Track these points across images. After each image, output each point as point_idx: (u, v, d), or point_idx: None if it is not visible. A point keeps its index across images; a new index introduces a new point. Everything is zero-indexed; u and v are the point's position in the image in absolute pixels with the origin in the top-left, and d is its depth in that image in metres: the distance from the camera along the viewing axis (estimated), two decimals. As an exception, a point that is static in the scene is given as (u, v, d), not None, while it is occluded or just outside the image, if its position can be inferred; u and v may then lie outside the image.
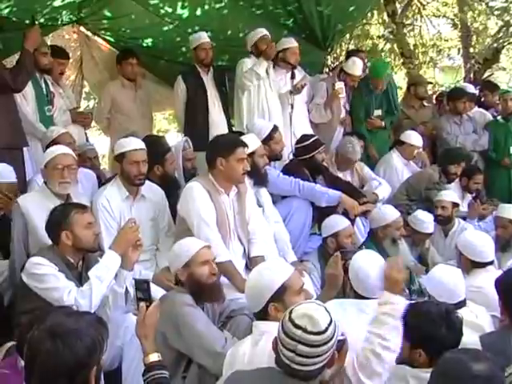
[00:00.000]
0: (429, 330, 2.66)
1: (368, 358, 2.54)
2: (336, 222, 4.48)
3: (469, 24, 10.57)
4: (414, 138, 6.23)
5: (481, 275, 3.89)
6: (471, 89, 7.37)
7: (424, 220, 4.97)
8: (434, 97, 8.16)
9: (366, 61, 7.31)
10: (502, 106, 6.96)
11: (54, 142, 4.49)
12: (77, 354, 1.81)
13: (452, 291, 3.36)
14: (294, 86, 5.78)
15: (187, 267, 3.16)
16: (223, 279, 3.48)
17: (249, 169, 3.99)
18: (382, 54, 10.39)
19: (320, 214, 4.79)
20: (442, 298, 3.28)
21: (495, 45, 10.34)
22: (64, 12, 5.74)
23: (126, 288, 3.34)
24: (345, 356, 2.42)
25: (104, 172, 5.81)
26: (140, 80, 6.42)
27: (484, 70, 10.50)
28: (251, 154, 4.33)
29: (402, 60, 10.34)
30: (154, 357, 2.55)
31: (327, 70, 7.49)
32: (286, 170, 4.99)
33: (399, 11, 10.13)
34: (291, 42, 6.06)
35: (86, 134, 6.07)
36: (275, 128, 4.96)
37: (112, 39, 6.68)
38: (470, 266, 4.00)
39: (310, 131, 5.85)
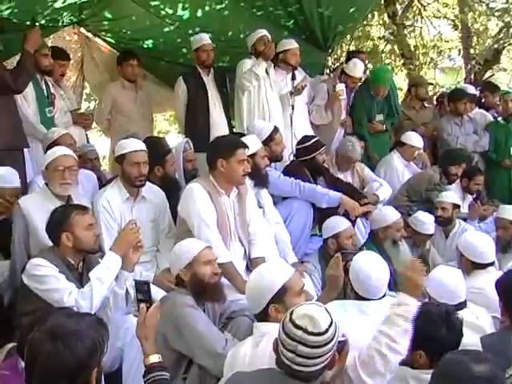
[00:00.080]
0: (429, 331, 2.66)
1: (373, 356, 2.52)
2: (337, 223, 4.49)
3: (469, 25, 10.57)
4: (414, 139, 6.23)
5: (481, 276, 3.88)
6: (472, 90, 7.37)
7: (425, 221, 4.96)
8: (435, 98, 8.17)
9: (366, 62, 7.32)
10: (502, 107, 6.95)
11: (55, 144, 4.49)
12: (77, 356, 1.82)
13: (453, 292, 3.36)
14: (294, 86, 5.79)
15: (190, 267, 3.17)
16: (224, 280, 3.48)
17: (249, 170, 3.99)
18: (383, 55, 10.39)
19: (321, 215, 4.79)
20: (443, 299, 3.28)
21: (496, 46, 10.33)
22: (65, 13, 5.74)
23: (127, 289, 3.33)
24: (346, 357, 2.42)
25: (104, 173, 5.82)
26: (140, 81, 6.42)
27: (484, 71, 10.50)
28: (252, 156, 4.34)
29: (402, 61, 10.34)
30: (155, 358, 2.55)
31: (328, 71, 7.49)
32: (287, 171, 4.99)
33: (400, 12, 10.14)
34: (292, 44, 6.07)
35: (86, 135, 6.07)
36: (276, 129, 4.96)
37: (113, 40, 6.68)
38: (470, 267, 4.00)
39: (310, 132, 5.85)
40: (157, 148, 4.53)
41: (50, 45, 6.02)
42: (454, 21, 11.01)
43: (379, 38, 10.52)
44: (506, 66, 11.91)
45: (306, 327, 2.15)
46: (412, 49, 10.47)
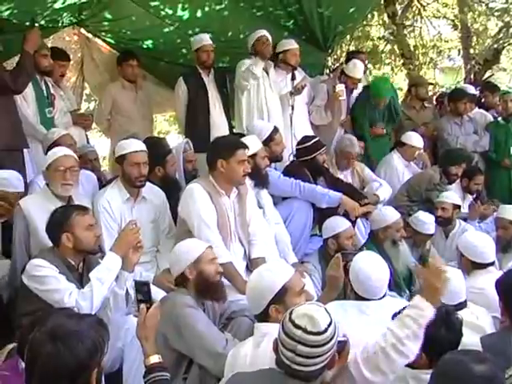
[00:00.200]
0: (428, 331, 2.66)
1: (377, 353, 2.47)
2: (337, 224, 4.49)
3: (469, 25, 10.56)
4: (414, 139, 6.24)
5: (482, 276, 3.88)
6: (472, 90, 7.37)
7: (425, 221, 4.96)
8: (435, 98, 8.16)
9: (366, 62, 7.31)
10: (502, 107, 6.95)
11: (55, 144, 4.49)
12: (78, 356, 1.82)
13: (453, 292, 3.35)
14: (294, 86, 5.79)
15: (196, 265, 3.17)
16: (224, 280, 3.48)
17: (249, 171, 4.00)
18: (383, 55, 10.40)
19: (321, 215, 4.79)
20: (443, 299, 3.28)
21: (495, 46, 10.32)
22: (64, 14, 5.74)
23: (127, 290, 3.34)
24: (346, 357, 2.41)
25: (105, 174, 5.83)
26: (140, 81, 6.43)
27: (484, 70, 10.50)
28: (252, 156, 4.34)
29: (402, 61, 10.35)
30: (155, 358, 2.56)
31: (328, 71, 7.48)
32: (287, 172, 4.99)
33: (399, 12, 10.14)
34: (291, 44, 6.07)
35: (86, 135, 6.07)
36: (275, 129, 4.96)
37: (112, 41, 6.67)
38: (470, 267, 4.00)
39: (310, 132, 5.85)
40: (157, 148, 4.53)
41: (49, 45, 6.01)
42: (453, 21, 11.01)
43: (379, 38, 10.52)
44: (506, 65, 11.91)
45: (306, 327, 2.16)
46: (412, 49, 10.47)
